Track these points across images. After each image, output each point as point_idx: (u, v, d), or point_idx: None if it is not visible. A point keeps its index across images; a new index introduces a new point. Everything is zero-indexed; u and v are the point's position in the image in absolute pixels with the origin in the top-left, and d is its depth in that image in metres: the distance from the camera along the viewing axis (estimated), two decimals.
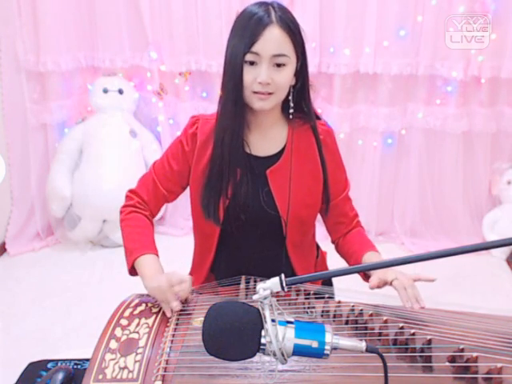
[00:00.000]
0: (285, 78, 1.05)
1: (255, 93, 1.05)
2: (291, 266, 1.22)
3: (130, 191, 1.22)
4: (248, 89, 1.05)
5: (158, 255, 1.10)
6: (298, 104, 1.14)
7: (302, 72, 1.10)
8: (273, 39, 1.01)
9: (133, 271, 1.09)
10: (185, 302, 1.01)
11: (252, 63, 1.03)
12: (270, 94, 1.05)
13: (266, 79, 1.02)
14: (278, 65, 1.04)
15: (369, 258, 1.13)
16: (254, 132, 1.16)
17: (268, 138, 1.16)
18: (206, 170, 1.13)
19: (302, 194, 1.15)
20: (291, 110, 1.13)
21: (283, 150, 1.16)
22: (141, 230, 1.14)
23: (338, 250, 1.27)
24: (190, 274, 1.33)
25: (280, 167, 1.14)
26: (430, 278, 1.02)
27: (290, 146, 1.15)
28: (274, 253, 1.19)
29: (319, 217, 1.30)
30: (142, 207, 1.19)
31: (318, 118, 1.20)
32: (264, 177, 1.14)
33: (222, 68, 1.09)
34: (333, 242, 1.29)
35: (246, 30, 1.02)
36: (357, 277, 1.05)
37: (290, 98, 1.12)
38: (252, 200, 1.13)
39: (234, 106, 1.06)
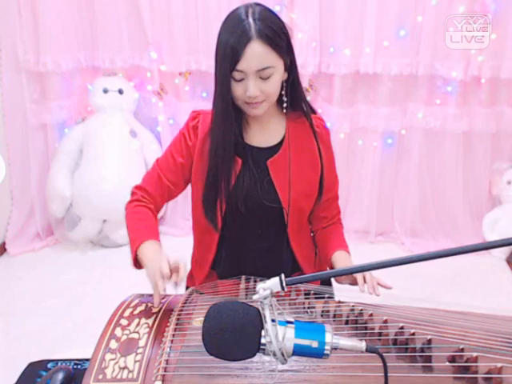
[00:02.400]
0: (273, 85, 1.07)
1: (247, 103, 1.08)
2: (293, 253, 1.25)
3: (136, 186, 1.23)
4: (239, 100, 1.08)
5: (159, 241, 1.11)
6: (292, 96, 1.16)
7: (291, 66, 1.11)
8: (254, 56, 1.01)
9: (137, 264, 1.09)
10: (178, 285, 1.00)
11: (239, 78, 1.04)
12: (261, 101, 1.08)
13: (254, 93, 1.04)
14: (265, 76, 1.04)
15: (336, 259, 1.18)
16: (252, 125, 1.18)
17: (267, 129, 1.19)
18: (206, 167, 1.15)
19: (302, 183, 1.18)
20: (285, 105, 1.16)
21: (282, 141, 1.18)
22: (143, 220, 1.15)
23: (316, 239, 1.32)
24: (191, 272, 1.34)
25: (280, 158, 1.17)
26: (388, 286, 1.05)
27: (289, 136, 1.17)
28: (276, 242, 1.22)
29: None
30: (147, 200, 1.20)
31: (313, 112, 1.22)
32: (265, 167, 1.16)
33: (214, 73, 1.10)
34: (312, 230, 1.34)
35: (227, 48, 1.01)
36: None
37: (284, 92, 1.14)
38: (254, 190, 1.15)
39: (224, 122, 1.09)
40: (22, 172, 2.80)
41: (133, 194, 1.22)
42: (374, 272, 1.04)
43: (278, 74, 1.07)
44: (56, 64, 2.66)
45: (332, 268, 1.19)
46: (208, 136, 1.15)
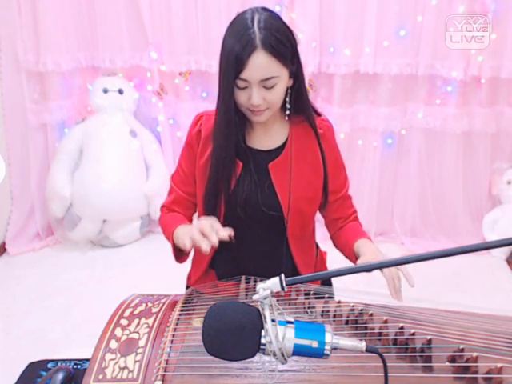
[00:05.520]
0: (277, 94, 1.06)
1: (250, 110, 1.08)
2: (292, 258, 1.24)
3: (163, 205, 1.30)
4: (243, 107, 1.08)
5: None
6: (297, 102, 1.15)
7: (297, 73, 1.11)
8: (258, 66, 1.01)
9: (179, 258, 1.17)
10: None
11: (243, 86, 1.04)
12: (264, 109, 1.08)
13: (257, 102, 1.04)
14: (268, 85, 1.04)
15: (359, 245, 1.15)
16: (256, 128, 1.18)
17: (270, 132, 1.18)
18: (207, 168, 1.15)
19: (304, 187, 1.17)
20: (287, 112, 1.15)
21: (285, 144, 1.18)
22: (174, 218, 1.21)
23: (335, 243, 1.29)
24: (191, 269, 1.35)
25: (282, 161, 1.16)
26: (411, 282, 1.01)
27: (291, 140, 1.17)
28: (275, 246, 1.21)
29: (321, 218, 1.31)
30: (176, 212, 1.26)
31: (318, 114, 1.22)
32: (266, 170, 1.16)
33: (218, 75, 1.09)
34: (331, 237, 1.32)
35: (232, 56, 1.00)
36: (357, 276, 1.05)
37: (288, 99, 1.13)
38: (253, 195, 1.15)
39: (227, 127, 1.09)
40: (22, 172, 2.80)
41: (162, 209, 1.30)
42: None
43: (283, 83, 1.06)
44: (56, 64, 2.66)
45: (357, 259, 1.14)
46: (210, 137, 1.15)
